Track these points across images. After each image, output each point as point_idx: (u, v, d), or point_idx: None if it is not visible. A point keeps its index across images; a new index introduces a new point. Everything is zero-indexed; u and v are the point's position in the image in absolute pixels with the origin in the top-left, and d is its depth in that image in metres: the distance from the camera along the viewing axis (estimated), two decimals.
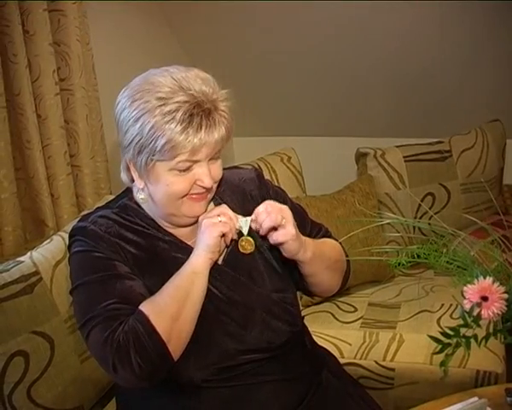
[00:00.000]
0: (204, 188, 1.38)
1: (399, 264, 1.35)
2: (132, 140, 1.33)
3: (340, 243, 1.66)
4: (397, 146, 2.77)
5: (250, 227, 1.43)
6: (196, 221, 1.43)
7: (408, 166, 2.70)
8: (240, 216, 1.42)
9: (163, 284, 1.38)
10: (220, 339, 1.42)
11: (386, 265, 2.40)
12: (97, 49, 2.47)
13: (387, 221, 1.50)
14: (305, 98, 3.28)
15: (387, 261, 1.40)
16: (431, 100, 3.08)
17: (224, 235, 1.39)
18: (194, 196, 1.39)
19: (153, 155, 1.32)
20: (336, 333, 2.24)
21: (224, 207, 1.42)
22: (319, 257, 1.51)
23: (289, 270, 1.54)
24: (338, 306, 2.44)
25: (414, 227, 2.47)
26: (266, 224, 1.40)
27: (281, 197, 1.60)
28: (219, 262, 1.45)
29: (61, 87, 2.26)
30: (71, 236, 1.46)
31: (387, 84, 3.08)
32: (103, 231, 1.40)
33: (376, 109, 3.21)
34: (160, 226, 1.46)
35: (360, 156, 2.78)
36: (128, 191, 1.50)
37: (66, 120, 2.31)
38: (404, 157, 2.72)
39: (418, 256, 1.33)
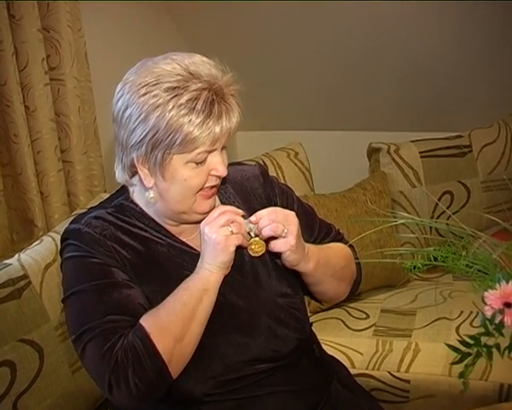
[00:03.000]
0: (218, 178, 1.38)
1: (415, 267, 1.36)
2: (144, 137, 1.32)
3: (352, 247, 1.65)
4: (412, 141, 2.76)
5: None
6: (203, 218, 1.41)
7: (424, 163, 2.70)
8: (247, 219, 1.42)
9: (162, 292, 1.37)
10: (223, 349, 1.41)
11: (401, 268, 2.43)
12: (90, 36, 2.45)
13: (402, 221, 1.50)
14: (314, 89, 3.27)
15: (402, 264, 1.40)
16: (448, 91, 3.07)
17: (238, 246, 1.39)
18: (206, 192, 1.39)
19: (170, 149, 1.32)
20: (347, 342, 2.24)
21: (230, 212, 1.39)
22: (323, 266, 1.50)
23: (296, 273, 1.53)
24: (349, 312, 2.44)
25: (430, 228, 2.46)
26: (266, 232, 1.39)
27: (287, 196, 1.60)
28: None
29: (50, 77, 2.26)
30: (63, 239, 1.44)
31: (401, 75, 3.07)
32: (98, 233, 1.39)
33: (390, 101, 3.20)
34: (160, 226, 1.45)
35: (372, 152, 2.78)
36: (124, 190, 1.49)
37: (56, 112, 2.30)
38: (419, 153, 2.71)
39: (435, 259, 1.33)
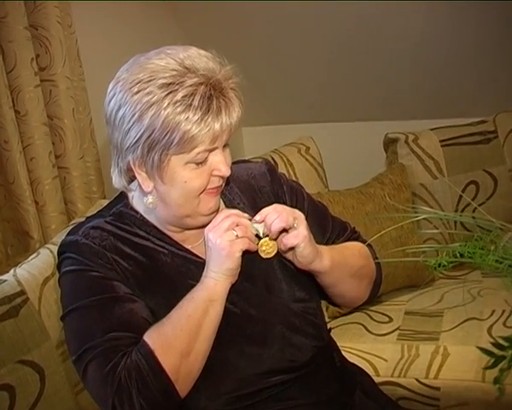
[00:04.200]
0: (221, 178, 1.38)
1: (440, 265, 1.35)
2: (140, 138, 1.31)
3: (371, 246, 1.64)
4: (432, 129, 2.76)
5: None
6: (211, 219, 1.42)
7: (445, 152, 2.69)
8: (252, 220, 1.42)
9: (167, 304, 1.37)
10: (236, 362, 1.41)
11: (424, 266, 2.43)
12: (82, 32, 2.45)
13: (424, 216, 1.50)
14: (323, 79, 3.27)
15: (425, 262, 1.39)
16: (470, 73, 3.05)
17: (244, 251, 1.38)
18: (210, 191, 1.38)
19: (168, 150, 1.31)
20: (369, 348, 2.24)
21: (234, 215, 1.39)
22: (340, 265, 1.50)
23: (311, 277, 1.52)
24: (370, 316, 2.43)
25: (455, 222, 2.46)
26: (277, 225, 1.38)
27: (296, 193, 1.60)
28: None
29: (41, 78, 2.25)
30: (60, 253, 1.45)
31: (417, 58, 3.06)
32: (97, 244, 1.40)
33: (406, 87, 3.19)
34: (163, 233, 1.45)
35: (389, 143, 2.78)
36: (123, 196, 1.49)
37: (49, 115, 2.30)
38: (440, 141, 2.71)
39: (461, 255, 1.32)
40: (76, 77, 2.39)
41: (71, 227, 1.94)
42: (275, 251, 1.44)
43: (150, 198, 1.40)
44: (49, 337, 1.73)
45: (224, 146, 1.38)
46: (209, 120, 1.29)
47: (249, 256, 1.42)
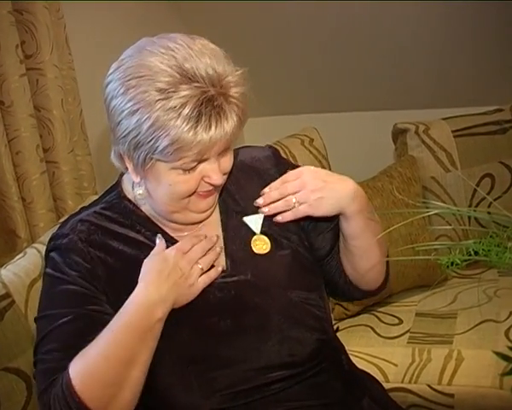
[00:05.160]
0: (212, 185, 1.40)
1: (452, 264, 1.34)
2: (127, 134, 1.33)
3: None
4: (444, 118, 2.76)
5: (265, 223, 1.50)
6: (204, 219, 1.47)
7: (458, 143, 2.69)
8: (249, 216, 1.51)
9: None
10: (230, 357, 1.41)
11: (436, 265, 2.41)
12: (71, 17, 2.44)
13: (436, 212, 1.48)
14: (328, 66, 3.26)
15: (437, 261, 1.38)
16: (483, 59, 3.04)
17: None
18: (201, 194, 1.41)
19: (152, 154, 1.33)
20: (378, 352, 2.23)
21: (193, 252, 1.42)
22: (367, 218, 1.53)
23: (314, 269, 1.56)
24: (379, 318, 2.43)
25: (469, 218, 2.45)
26: (290, 189, 1.48)
27: None
28: (223, 268, 1.47)
29: (27, 66, 2.25)
30: (47, 248, 1.48)
31: (428, 43, 3.05)
32: (83, 240, 1.42)
33: (416, 74, 3.18)
34: (155, 225, 1.47)
35: (398, 133, 2.78)
36: (116, 185, 1.52)
37: (36, 106, 2.30)
38: (453, 132, 2.70)
39: (476, 253, 1.31)
40: (65, 65, 2.39)
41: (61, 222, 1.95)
42: (267, 250, 1.49)
43: (139, 190, 1.44)
44: None
45: (225, 151, 1.39)
46: (198, 132, 1.30)
47: (245, 243, 1.49)
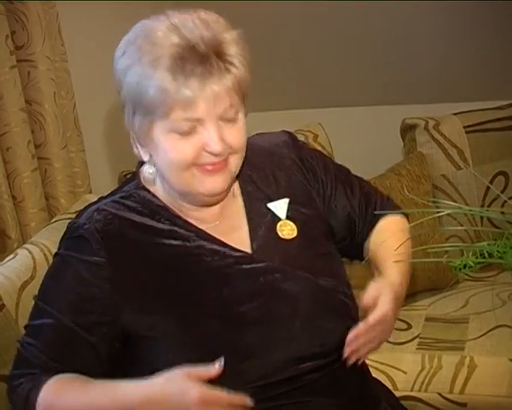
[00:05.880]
0: (214, 155, 1.40)
1: (465, 266, 1.34)
2: (126, 97, 1.41)
3: (406, 216, 1.74)
4: (455, 113, 2.75)
5: (290, 208, 1.54)
6: (222, 199, 1.49)
7: (470, 139, 2.68)
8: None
9: (173, 294, 1.42)
10: (260, 346, 1.41)
11: (447, 267, 2.41)
12: (63, 6, 2.44)
13: (447, 212, 1.48)
14: (333, 59, 3.25)
15: (450, 263, 1.38)
16: (496, 51, 3.02)
17: None
18: (207, 168, 1.41)
19: (146, 114, 1.39)
20: (386, 358, 2.21)
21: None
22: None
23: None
24: None
25: (481, 217, 2.44)
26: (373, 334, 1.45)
27: (320, 164, 1.65)
28: (248, 250, 1.49)
29: (18, 57, 2.25)
30: (62, 238, 1.51)
31: (436, 33, 3.05)
32: (99, 230, 1.43)
33: (425, 66, 3.16)
34: (176, 215, 1.49)
35: (407, 129, 2.77)
36: (135, 176, 1.55)
37: (27, 99, 2.29)
38: (464, 127, 2.69)
39: (490, 255, 1.31)
40: (57, 57, 2.38)
41: (52, 225, 1.94)
42: (294, 235, 1.52)
43: (150, 169, 1.48)
44: None
45: (227, 120, 1.41)
46: (179, 81, 1.34)
47: (269, 235, 1.52)
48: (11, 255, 1.87)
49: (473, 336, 2.26)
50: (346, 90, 3.34)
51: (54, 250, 1.83)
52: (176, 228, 1.47)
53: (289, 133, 1.68)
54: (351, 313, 1.51)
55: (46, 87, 2.32)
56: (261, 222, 1.53)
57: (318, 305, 1.46)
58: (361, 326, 1.43)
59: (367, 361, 2.13)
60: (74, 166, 2.47)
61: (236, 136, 1.43)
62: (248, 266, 1.47)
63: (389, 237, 1.61)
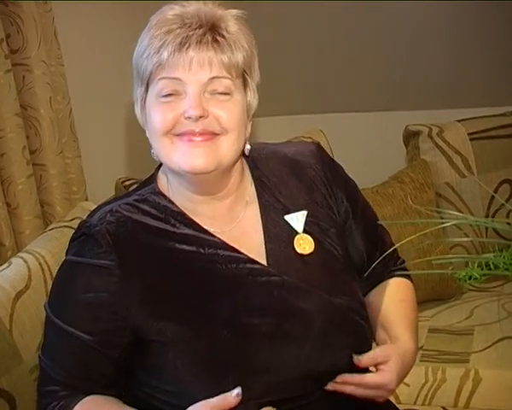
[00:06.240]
0: (193, 121, 1.41)
1: (470, 277, 1.33)
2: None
3: (410, 279, 1.72)
4: (459, 120, 2.76)
5: (308, 222, 1.52)
6: (215, 192, 1.50)
7: (475, 147, 2.70)
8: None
9: (186, 307, 1.41)
10: (269, 362, 1.41)
11: (451, 277, 2.40)
12: (60, 9, 2.42)
13: (452, 223, 1.46)
14: (335, 63, 3.26)
15: (455, 275, 1.37)
16: (501, 55, 3.04)
17: None
18: (183, 137, 1.43)
19: (141, 82, 1.46)
20: None
21: None
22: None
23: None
24: None
25: (486, 228, 2.43)
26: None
27: (344, 182, 1.65)
28: (263, 262, 1.49)
29: (13, 61, 2.22)
30: (72, 238, 1.52)
31: (441, 39, 3.07)
32: (112, 232, 1.44)
33: (429, 72, 3.18)
34: (192, 221, 1.49)
35: (410, 136, 2.78)
36: (152, 180, 1.56)
37: (22, 104, 2.27)
38: (469, 134, 2.71)
39: (496, 267, 1.30)
40: (53, 61, 2.36)
41: (47, 233, 1.93)
42: (311, 250, 1.51)
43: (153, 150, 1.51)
44: (21, 361, 1.69)
45: (218, 93, 1.43)
46: (167, 41, 1.40)
47: (286, 248, 1.51)
48: (5, 264, 1.85)
49: (478, 348, 2.26)
50: (347, 96, 3.35)
51: (49, 259, 1.85)
52: (190, 233, 1.48)
53: (317, 144, 1.69)
54: (364, 335, 1.52)
55: (42, 92, 2.29)
56: (278, 234, 1.53)
57: (331, 325, 1.46)
58: (355, 378, 1.44)
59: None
60: (70, 173, 2.45)
61: (226, 113, 1.44)
62: (263, 279, 1.47)
63: (404, 303, 1.64)
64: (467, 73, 3.13)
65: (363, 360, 1.45)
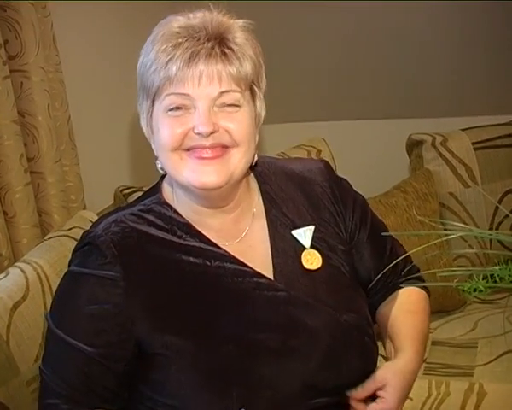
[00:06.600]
0: (203, 137, 1.41)
1: (475, 290, 1.33)
2: (137, 86, 1.49)
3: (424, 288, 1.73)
4: (463, 129, 2.76)
5: (315, 237, 1.54)
6: (223, 205, 1.50)
7: (479, 156, 2.70)
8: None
9: (191, 321, 1.42)
10: (274, 377, 1.41)
11: (455, 289, 2.40)
12: (58, 15, 2.42)
13: (457, 235, 1.46)
14: (337, 70, 3.27)
15: (459, 287, 1.37)
16: (506, 63, 3.04)
17: None
18: (192, 154, 1.43)
19: (147, 96, 1.46)
20: None
21: None
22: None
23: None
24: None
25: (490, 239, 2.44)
26: None
27: (351, 201, 1.65)
28: (270, 276, 1.50)
29: (10, 68, 2.22)
30: (75, 249, 1.53)
31: (444, 45, 3.07)
32: (117, 243, 1.45)
33: (432, 80, 3.18)
34: (198, 232, 1.49)
35: (413, 145, 2.78)
36: (157, 189, 1.57)
37: (20, 111, 2.27)
38: (473, 144, 2.71)
39: (501, 279, 1.30)
40: (52, 67, 2.36)
41: (45, 242, 1.93)
42: (318, 266, 1.53)
43: (159, 163, 1.51)
44: (18, 372, 1.69)
45: (226, 105, 1.43)
46: (175, 57, 1.40)
47: (293, 264, 1.52)
48: (2, 274, 1.85)
49: (482, 361, 2.26)
50: (350, 104, 3.35)
51: (48, 269, 1.85)
52: (196, 245, 1.48)
53: (325, 162, 1.71)
54: (369, 353, 1.53)
55: (40, 98, 2.29)
56: (285, 249, 1.53)
57: (338, 342, 1.46)
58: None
59: None
60: (68, 181, 2.44)
61: (236, 125, 1.44)
62: (269, 293, 1.47)
63: (411, 314, 1.65)
64: (471, 81, 3.12)
65: (359, 393, 1.47)
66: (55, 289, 1.78)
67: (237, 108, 1.44)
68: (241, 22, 1.49)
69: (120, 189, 2.35)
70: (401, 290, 1.68)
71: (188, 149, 1.43)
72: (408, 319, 1.62)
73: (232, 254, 1.49)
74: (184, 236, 1.49)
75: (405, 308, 1.65)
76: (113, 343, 1.42)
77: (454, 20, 2.97)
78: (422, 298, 1.71)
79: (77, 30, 2.62)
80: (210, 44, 1.41)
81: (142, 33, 1.50)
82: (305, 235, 1.54)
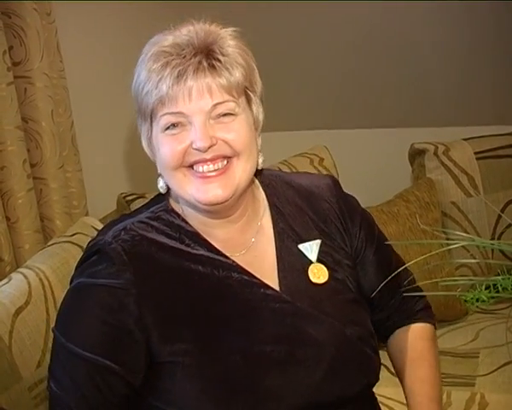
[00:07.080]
0: (201, 152, 1.41)
1: (477, 300, 1.33)
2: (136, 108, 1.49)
3: (432, 323, 1.77)
4: (465, 139, 2.76)
5: (321, 251, 1.54)
6: (229, 215, 1.50)
7: (481, 166, 2.70)
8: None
9: (201, 340, 1.40)
10: (279, 389, 1.41)
11: (456, 298, 2.39)
12: (63, 21, 2.44)
13: (461, 244, 1.46)
14: (339, 79, 3.27)
15: (462, 297, 1.37)
16: (509, 73, 3.04)
17: None
18: (195, 172, 1.43)
19: (144, 119, 1.47)
20: (392, 393, 2.14)
21: None
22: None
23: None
24: None
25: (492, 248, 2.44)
26: None
27: (359, 218, 1.65)
28: (277, 288, 1.49)
29: (15, 74, 2.24)
30: (82, 258, 1.50)
31: (447, 55, 3.07)
32: (127, 250, 1.43)
33: (435, 89, 3.19)
34: (208, 242, 1.49)
35: (416, 154, 2.78)
36: (164, 197, 1.55)
37: (24, 117, 2.29)
38: (475, 153, 2.71)
39: (504, 289, 1.30)
40: (55, 73, 2.38)
41: (48, 248, 1.93)
42: (325, 280, 1.52)
43: (161, 181, 1.51)
44: (20, 378, 1.70)
45: (221, 115, 1.43)
46: (165, 74, 1.40)
47: (300, 277, 1.51)
48: (5, 279, 1.85)
49: (484, 371, 2.25)
50: (352, 112, 3.35)
51: (50, 275, 1.84)
52: (205, 254, 1.48)
53: (333, 178, 1.70)
54: (372, 366, 1.53)
55: (43, 104, 2.31)
56: (291, 262, 1.53)
57: (342, 354, 1.46)
58: None
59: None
60: (70, 187, 2.46)
61: (233, 134, 1.44)
62: (276, 305, 1.46)
63: (427, 374, 1.68)
64: (473, 91, 3.12)
65: None
66: (57, 295, 1.80)
67: (233, 117, 1.44)
68: (229, 30, 1.48)
69: (123, 195, 2.35)
70: (413, 328, 1.71)
71: (190, 166, 1.43)
72: (424, 386, 1.65)
73: (239, 263, 1.48)
74: (192, 244, 1.48)
75: (420, 363, 1.67)
76: (129, 354, 1.40)
77: (456, 30, 2.97)
78: (429, 336, 1.74)
79: (81, 37, 2.63)
80: (197, 59, 1.40)
81: (145, 41, 1.49)
82: (311, 249, 1.54)
